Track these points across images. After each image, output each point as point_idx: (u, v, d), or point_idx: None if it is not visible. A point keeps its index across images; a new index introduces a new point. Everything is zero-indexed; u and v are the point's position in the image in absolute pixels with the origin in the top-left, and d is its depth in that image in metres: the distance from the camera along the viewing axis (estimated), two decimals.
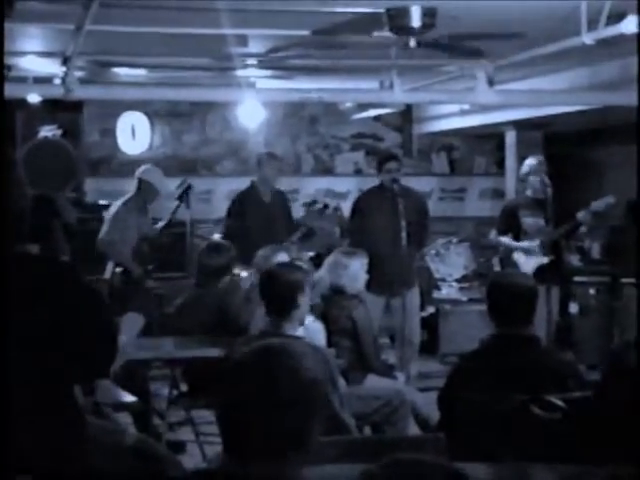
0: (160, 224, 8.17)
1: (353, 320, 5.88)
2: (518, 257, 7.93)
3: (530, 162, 8.06)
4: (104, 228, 8.01)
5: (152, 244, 8.04)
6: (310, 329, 5.12)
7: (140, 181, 8.06)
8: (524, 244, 7.91)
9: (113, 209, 8.10)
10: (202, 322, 6.16)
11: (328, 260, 6.24)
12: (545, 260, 7.82)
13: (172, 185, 8.30)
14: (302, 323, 4.79)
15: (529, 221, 7.95)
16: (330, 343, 5.65)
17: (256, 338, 4.39)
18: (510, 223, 8.03)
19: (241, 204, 8.36)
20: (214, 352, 5.38)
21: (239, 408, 2.17)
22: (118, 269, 7.92)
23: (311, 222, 10.36)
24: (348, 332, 5.87)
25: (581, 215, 7.71)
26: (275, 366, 2.18)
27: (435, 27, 5.70)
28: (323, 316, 5.70)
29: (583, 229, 8.25)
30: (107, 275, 7.96)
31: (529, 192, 8.00)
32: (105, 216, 8.21)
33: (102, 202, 10.12)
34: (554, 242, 7.90)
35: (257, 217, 8.14)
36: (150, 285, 8.03)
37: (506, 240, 8.02)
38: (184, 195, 8.16)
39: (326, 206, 10.41)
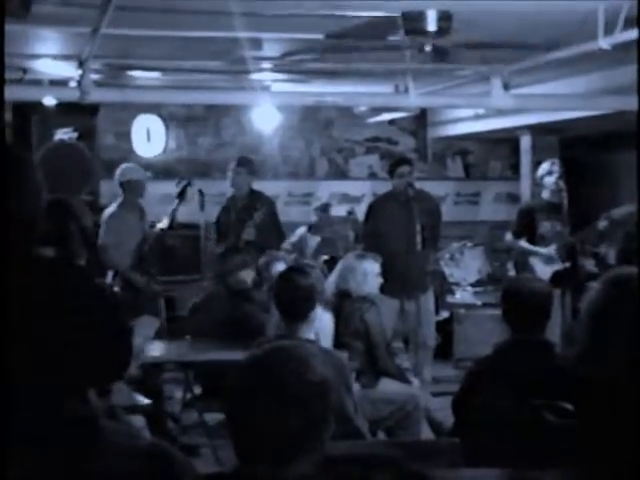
0: (160, 225, 7.98)
1: (365, 322, 5.89)
2: (534, 262, 7.89)
3: (546, 165, 8.04)
4: (99, 235, 7.80)
5: (154, 246, 7.85)
6: (319, 319, 5.09)
7: (122, 184, 7.96)
8: (543, 251, 7.85)
9: (105, 215, 7.99)
10: (218, 325, 6.17)
11: (339, 263, 6.30)
12: (561, 266, 7.79)
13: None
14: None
15: (546, 225, 7.91)
16: (342, 345, 5.65)
17: (270, 342, 4.39)
18: (526, 226, 7.99)
19: (222, 209, 8.57)
20: (229, 355, 5.38)
21: (248, 411, 2.17)
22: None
23: (324, 226, 10.40)
24: (360, 334, 5.87)
25: (602, 224, 7.66)
26: (284, 368, 2.17)
27: (451, 31, 5.70)
28: (336, 316, 5.71)
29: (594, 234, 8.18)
30: (109, 279, 7.81)
31: (545, 195, 7.97)
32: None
33: None
34: (570, 247, 7.86)
35: (230, 220, 8.29)
36: (155, 289, 7.82)
37: (525, 245, 7.97)
38: (183, 193, 8.04)
39: (327, 205, 10.49)
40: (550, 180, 7.88)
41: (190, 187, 8.09)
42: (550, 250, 7.84)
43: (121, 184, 7.97)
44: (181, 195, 7.99)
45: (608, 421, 2.60)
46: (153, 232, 7.91)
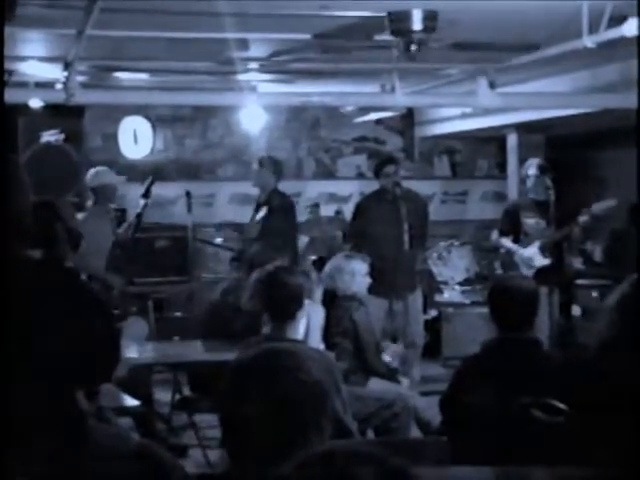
0: (124, 225, 7.88)
1: (354, 322, 5.91)
2: (520, 261, 7.91)
3: (531, 164, 8.07)
4: None
5: (126, 248, 7.66)
6: (309, 310, 5.08)
7: (94, 188, 7.82)
8: (525, 253, 7.86)
9: (78, 221, 7.88)
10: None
11: (328, 263, 6.32)
12: (546, 262, 7.81)
13: (172, 190, 8.19)
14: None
15: (531, 222, 7.94)
16: (332, 344, 5.66)
17: (258, 342, 4.40)
18: (512, 224, 8.02)
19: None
20: (219, 356, 5.36)
21: (242, 411, 2.17)
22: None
23: (313, 226, 10.40)
24: (349, 334, 5.88)
25: (582, 219, 7.68)
26: (279, 369, 2.18)
27: (436, 31, 5.71)
28: (324, 317, 5.71)
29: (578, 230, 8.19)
30: None
31: (531, 194, 8.01)
32: None
33: None
34: (555, 244, 7.88)
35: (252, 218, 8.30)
36: (131, 291, 7.66)
37: (509, 244, 8.00)
38: (148, 192, 7.89)
39: (316, 205, 10.43)
40: (529, 182, 7.94)
41: (154, 185, 7.91)
42: (532, 251, 7.84)
43: (93, 189, 7.84)
44: (146, 194, 7.81)
45: (622, 417, 2.60)
46: (125, 235, 7.76)
